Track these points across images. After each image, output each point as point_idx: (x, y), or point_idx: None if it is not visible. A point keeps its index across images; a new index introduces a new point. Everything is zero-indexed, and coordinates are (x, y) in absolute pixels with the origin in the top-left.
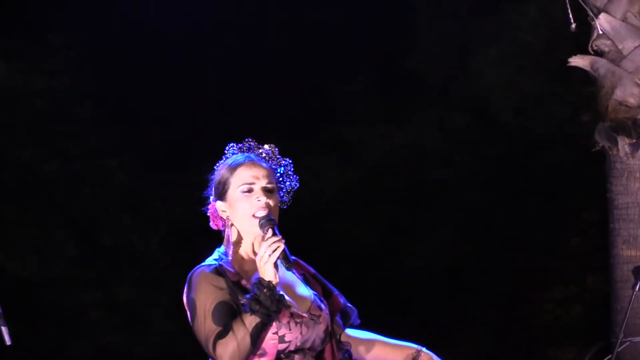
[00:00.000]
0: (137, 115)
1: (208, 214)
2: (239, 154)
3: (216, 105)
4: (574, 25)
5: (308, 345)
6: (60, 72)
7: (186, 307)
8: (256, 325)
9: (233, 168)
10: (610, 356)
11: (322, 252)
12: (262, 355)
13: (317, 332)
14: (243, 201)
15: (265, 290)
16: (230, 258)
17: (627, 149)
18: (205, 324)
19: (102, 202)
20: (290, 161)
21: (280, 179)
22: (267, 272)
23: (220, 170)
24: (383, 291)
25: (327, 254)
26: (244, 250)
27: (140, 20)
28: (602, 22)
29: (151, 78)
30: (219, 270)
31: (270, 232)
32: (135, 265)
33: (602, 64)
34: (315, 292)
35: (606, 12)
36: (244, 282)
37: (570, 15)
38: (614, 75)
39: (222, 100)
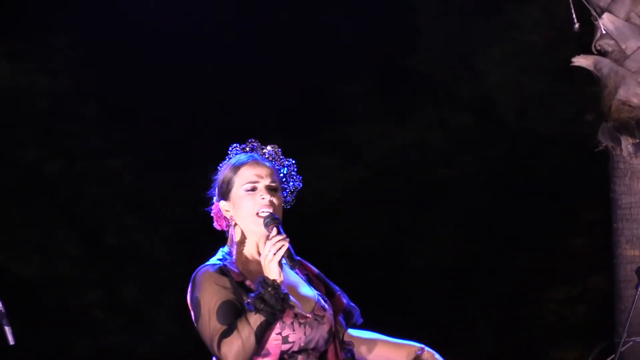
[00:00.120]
0: (140, 116)
1: (212, 215)
2: (243, 154)
3: (218, 105)
4: (577, 25)
5: (312, 345)
6: (63, 72)
7: (190, 307)
8: (261, 324)
9: (237, 167)
10: (613, 356)
11: (324, 251)
12: (266, 355)
13: (320, 333)
14: (247, 199)
15: (269, 289)
16: (234, 258)
17: (630, 148)
18: (209, 323)
19: (105, 202)
20: (293, 162)
21: (284, 179)
22: (272, 270)
23: (224, 170)
24: (385, 291)
25: (329, 254)
26: (248, 250)
27: (141, 20)
28: (606, 22)
29: (153, 78)
30: (223, 270)
31: (274, 230)
32: (139, 265)
33: (606, 64)
34: (319, 293)
35: (610, 12)
36: (248, 282)
37: (574, 15)
38: (618, 75)
39: (222, 100)
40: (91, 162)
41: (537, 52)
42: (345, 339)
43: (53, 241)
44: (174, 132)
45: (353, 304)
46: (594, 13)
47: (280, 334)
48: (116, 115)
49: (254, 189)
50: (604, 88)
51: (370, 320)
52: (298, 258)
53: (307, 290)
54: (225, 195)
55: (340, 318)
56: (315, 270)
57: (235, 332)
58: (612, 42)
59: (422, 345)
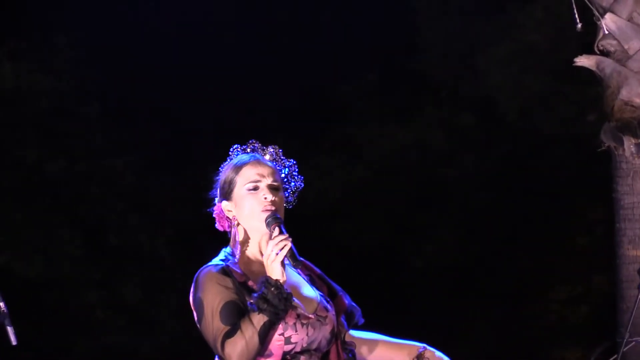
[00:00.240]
0: (141, 115)
1: (214, 215)
2: (244, 154)
3: (221, 105)
4: (579, 25)
5: (314, 346)
6: (65, 72)
7: (193, 308)
8: (264, 324)
9: (238, 167)
10: (615, 356)
11: (325, 251)
12: (268, 356)
13: (323, 333)
14: (249, 199)
15: (272, 289)
16: (236, 259)
17: (632, 149)
18: (213, 324)
19: (107, 202)
20: (294, 162)
21: (285, 179)
22: (275, 270)
23: (226, 170)
24: (386, 291)
25: (329, 254)
26: (251, 251)
27: (143, 20)
28: (608, 22)
29: (156, 78)
30: (225, 271)
31: (276, 230)
32: (141, 265)
33: (608, 64)
34: (321, 293)
35: (612, 12)
36: (250, 282)
37: (576, 15)
38: (620, 75)
39: (224, 100)
40: (93, 162)
41: (539, 52)
42: (347, 339)
43: (55, 241)
44: (176, 132)
45: (355, 305)
46: (597, 13)
47: (282, 334)
48: (118, 115)
49: (256, 188)
50: (607, 88)
51: (370, 320)
52: (301, 259)
53: (309, 291)
54: (227, 195)
55: (342, 319)
56: (318, 270)
57: (238, 333)
58: (614, 42)
59: (424, 345)
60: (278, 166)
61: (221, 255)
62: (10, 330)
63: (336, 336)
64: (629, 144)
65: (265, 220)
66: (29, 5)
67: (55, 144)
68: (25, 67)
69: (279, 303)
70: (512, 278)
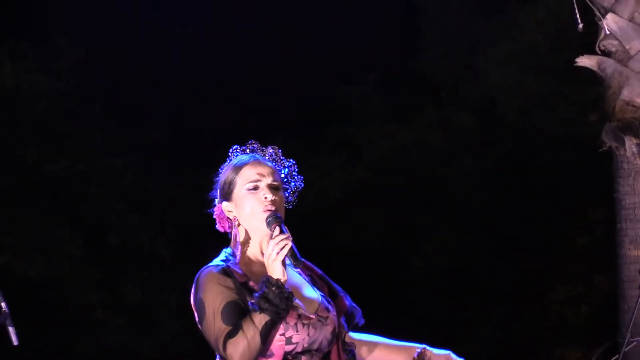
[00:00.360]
0: (143, 116)
1: (214, 216)
2: (244, 154)
3: (221, 105)
4: (581, 25)
5: (315, 346)
6: (66, 72)
7: (194, 308)
8: (266, 323)
9: (238, 167)
10: (617, 356)
11: (324, 251)
12: (270, 356)
13: (324, 334)
14: (249, 199)
15: (273, 288)
16: (237, 259)
17: (634, 149)
18: (214, 324)
19: (108, 202)
20: (293, 162)
21: (285, 179)
22: (275, 270)
23: (225, 171)
24: (386, 291)
25: (329, 254)
26: (252, 251)
27: (141, 20)
28: (609, 22)
29: (157, 78)
30: (226, 271)
31: (277, 229)
32: (142, 265)
33: (609, 64)
34: (322, 294)
35: (613, 12)
36: (251, 283)
37: (578, 15)
38: (621, 75)
39: (226, 100)
40: (93, 162)
41: (539, 52)
42: (346, 340)
43: (55, 241)
44: (176, 132)
45: (355, 305)
46: (598, 13)
47: (283, 334)
48: (118, 116)
49: (256, 188)
50: (608, 88)
51: (370, 320)
52: (302, 259)
53: (310, 291)
54: (227, 196)
55: (342, 320)
56: (319, 271)
57: (240, 333)
58: (615, 42)
59: (424, 346)
60: (278, 166)
61: (222, 256)
62: (11, 330)
63: (337, 337)
64: (630, 144)
65: (266, 220)
66: (30, 5)
67: (55, 144)
68: (25, 67)
69: (280, 302)
70: (513, 278)
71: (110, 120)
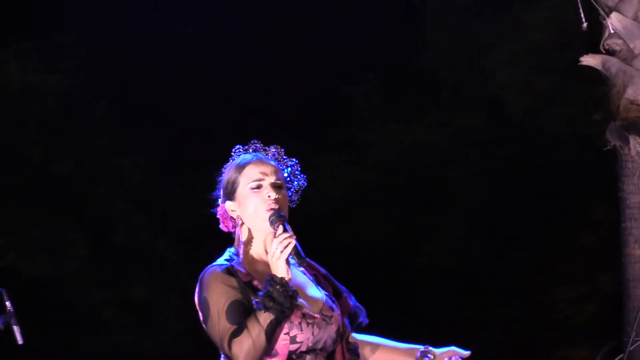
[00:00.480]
0: (148, 115)
1: (218, 216)
2: (247, 154)
3: (228, 105)
4: (585, 25)
5: (320, 346)
6: (72, 72)
7: (198, 307)
8: (271, 322)
9: (241, 167)
10: (622, 355)
11: (327, 251)
12: (274, 355)
13: (328, 333)
14: (253, 198)
15: (278, 287)
16: (241, 258)
17: (638, 148)
18: (219, 323)
19: (114, 202)
20: (296, 161)
21: (288, 178)
22: (279, 268)
23: (229, 170)
24: (389, 291)
25: (332, 254)
26: (255, 250)
27: (141, 20)
28: (614, 21)
29: (164, 77)
30: (230, 270)
31: (280, 228)
32: (147, 265)
33: (614, 63)
34: (326, 293)
35: (618, 11)
36: (255, 282)
37: (582, 15)
38: (626, 74)
39: (229, 100)
40: (99, 161)
41: (545, 51)
42: (349, 340)
43: (61, 241)
44: (181, 132)
45: (359, 305)
46: (602, 12)
47: (288, 333)
48: (124, 115)
49: (259, 187)
50: (612, 87)
51: (372, 320)
52: (306, 258)
53: (314, 290)
54: (230, 195)
55: (345, 320)
56: (323, 270)
57: (245, 332)
58: (620, 41)
59: (426, 346)
60: (280, 165)
61: (226, 255)
62: (16, 329)
63: (342, 336)
64: (634, 143)
65: (270, 219)
66: (35, 5)
67: (61, 144)
68: (31, 66)
69: (284, 301)
70: (517, 277)
71: (116, 120)
